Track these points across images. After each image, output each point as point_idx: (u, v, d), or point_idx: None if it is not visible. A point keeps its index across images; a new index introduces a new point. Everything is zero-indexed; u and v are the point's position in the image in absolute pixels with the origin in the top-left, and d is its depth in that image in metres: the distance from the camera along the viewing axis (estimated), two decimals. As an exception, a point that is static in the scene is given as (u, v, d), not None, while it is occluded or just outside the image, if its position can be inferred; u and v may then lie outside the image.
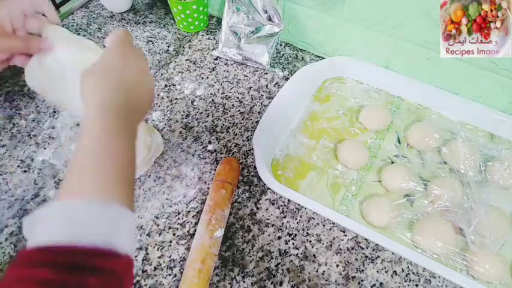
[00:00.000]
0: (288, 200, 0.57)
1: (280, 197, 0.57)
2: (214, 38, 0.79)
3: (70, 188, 0.32)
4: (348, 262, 0.52)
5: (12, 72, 0.70)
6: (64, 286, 0.25)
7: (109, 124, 0.35)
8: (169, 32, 0.80)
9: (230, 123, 0.65)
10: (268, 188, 0.57)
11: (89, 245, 0.27)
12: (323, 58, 0.76)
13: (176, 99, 0.69)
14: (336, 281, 0.50)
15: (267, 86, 0.71)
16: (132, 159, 0.36)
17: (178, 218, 0.55)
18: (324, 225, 0.55)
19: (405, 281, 0.50)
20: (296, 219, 0.55)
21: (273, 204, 0.56)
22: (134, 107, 0.39)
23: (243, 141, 0.63)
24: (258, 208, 0.56)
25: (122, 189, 0.33)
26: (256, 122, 0.65)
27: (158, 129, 0.64)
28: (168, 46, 0.77)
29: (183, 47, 0.77)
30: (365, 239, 0.53)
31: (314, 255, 0.52)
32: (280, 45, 0.78)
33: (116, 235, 0.29)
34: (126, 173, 0.34)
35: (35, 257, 0.26)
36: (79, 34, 0.78)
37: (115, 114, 0.36)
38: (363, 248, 0.53)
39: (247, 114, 0.67)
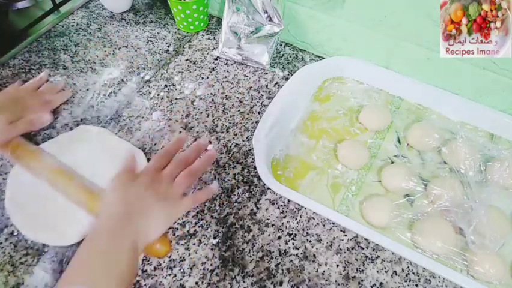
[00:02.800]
0: (288, 200, 0.57)
1: (280, 197, 0.57)
2: (214, 38, 0.79)
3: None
4: (348, 262, 0.52)
5: (12, 72, 0.70)
6: None
7: (109, 229, 0.41)
8: (169, 32, 0.80)
9: (230, 123, 0.66)
10: (268, 188, 0.57)
11: None
12: (323, 58, 0.76)
13: (176, 99, 0.69)
14: (336, 281, 0.50)
15: (267, 86, 0.71)
16: (122, 268, 0.40)
17: (178, 218, 0.55)
18: (324, 225, 0.55)
19: (405, 281, 0.50)
20: (296, 219, 0.55)
21: (273, 204, 0.56)
22: (142, 220, 0.43)
23: (243, 141, 0.63)
24: (258, 208, 0.56)
25: None
26: (256, 122, 0.65)
27: (158, 130, 0.64)
28: (168, 46, 0.77)
29: (183, 47, 0.77)
30: (365, 239, 0.53)
31: (314, 255, 0.52)
32: (280, 45, 0.78)
33: None
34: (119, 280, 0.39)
35: None
36: (79, 34, 0.78)
37: (117, 221, 0.42)
38: (363, 248, 0.53)
39: (247, 114, 0.67)
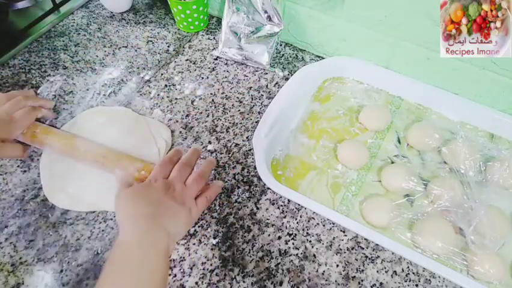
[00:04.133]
0: (288, 200, 0.57)
1: (280, 197, 0.57)
2: (214, 38, 0.79)
3: None
4: (348, 262, 0.52)
5: (12, 72, 0.70)
6: None
7: (140, 237, 0.41)
8: (169, 32, 0.80)
9: (230, 123, 0.65)
10: (268, 188, 0.57)
11: None
12: (323, 58, 0.76)
13: (176, 99, 0.69)
14: (336, 281, 0.50)
15: (267, 86, 0.71)
16: (161, 275, 0.40)
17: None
18: (324, 225, 0.55)
19: (405, 281, 0.50)
20: (296, 219, 0.55)
21: (273, 204, 0.56)
22: (167, 221, 0.43)
23: (243, 141, 0.63)
24: (258, 208, 0.56)
25: None
26: (256, 122, 0.65)
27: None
28: (168, 46, 0.77)
29: (183, 47, 0.77)
30: (365, 239, 0.53)
31: (314, 255, 0.52)
32: (280, 45, 0.78)
33: None
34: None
35: None
36: (79, 34, 0.78)
37: (146, 225, 0.41)
38: (363, 248, 0.53)
39: (247, 114, 0.67)
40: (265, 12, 0.67)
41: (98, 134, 0.61)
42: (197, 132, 0.64)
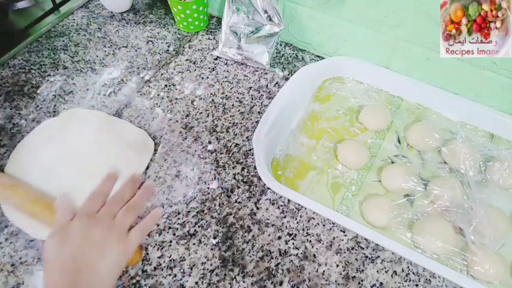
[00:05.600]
0: (288, 200, 0.57)
1: (280, 197, 0.57)
2: (214, 38, 0.79)
3: None
4: (348, 262, 0.52)
5: (12, 72, 0.71)
6: None
7: None
8: (169, 32, 0.80)
9: (230, 123, 0.66)
10: (268, 188, 0.57)
11: None
12: (323, 58, 0.76)
13: (176, 99, 0.69)
14: (336, 281, 0.50)
15: (267, 86, 0.71)
16: None
17: (178, 218, 0.55)
18: (324, 225, 0.55)
19: (405, 281, 0.50)
20: (296, 219, 0.55)
21: (273, 204, 0.56)
22: (89, 275, 0.38)
23: (243, 141, 0.63)
24: (258, 208, 0.56)
25: None
26: (256, 122, 0.65)
27: (158, 129, 0.64)
28: (168, 46, 0.77)
29: (183, 47, 0.77)
30: (365, 239, 0.53)
31: (314, 255, 0.52)
32: (280, 45, 0.78)
33: None
34: None
35: None
36: (79, 34, 0.78)
37: None
38: (363, 248, 0.53)
39: (247, 114, 0.67)
40: (265, 12, 0.67)
41: (69, 143, 0.60)
42: (197, 132, 0.64)
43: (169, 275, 0.50)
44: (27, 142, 0.61)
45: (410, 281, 0.50)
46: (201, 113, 0.67)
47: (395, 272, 0.51)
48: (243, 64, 0.74)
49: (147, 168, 0.59)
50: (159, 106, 0.67)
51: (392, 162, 0.62)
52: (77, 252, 0.39)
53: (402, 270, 0.51)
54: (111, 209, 0.43)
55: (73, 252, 0.39)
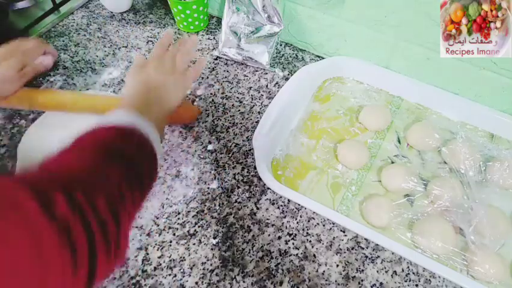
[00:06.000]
0: (288, 200, 0.57)
1: (280, 197, 0.57)
2: (214, 38, 0.79)
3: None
4: (348, 262, 0.52)
5: (12, 72, 0.70)
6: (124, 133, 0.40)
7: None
8: (169, 32, 0.80)
9: (230, 123, 0.65)
10: (268, 188, 0.57)
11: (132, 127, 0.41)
12: (323, 58, 0.76)
13: (176, 99, 0.69)
14: (336, 281, 0.50)
15: (267, 86, 0.71)
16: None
17: (178, 218, 0.55)
18: (324, 225, 0.55)
19: (405, 281, 0.50)
20: (296, 219, 0.55)
21: (273, 204, 0.56)
22: (160, 101, 0.49)
23: (243, 141, 0.63)
24: (258, 208, 0.56)
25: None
26: (256, 122, 0.65)
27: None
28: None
29: (183, 47, 0.77)
30: (365, 239, 0.53)
31: (314, 255, 0.52)
32: (280, 45, 0.78)
33: (150, 133, 0.42)
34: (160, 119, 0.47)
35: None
36: (79, 34, 0.78)
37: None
38: (363, 248, 0.53)
39: (247, 114, 0.67)
40: (265, 12, 0.67)
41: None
42: (197, 132, 0.64)
43: (169, 275, 0.50)
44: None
45: (410, 281, 0.50)
46: (201, 113, 0.67)
47: (395, 272, 0.51)
48: (243, 64, 0.74)
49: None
50: (159, 106, 0.67)
51: (392, 162, 0.62)
52: (152, 74, 0.50)
53: (402, 270, 0.51)
54: (172, 54, 0.54)
55: (149, 73, 0.50)
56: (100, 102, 0.60)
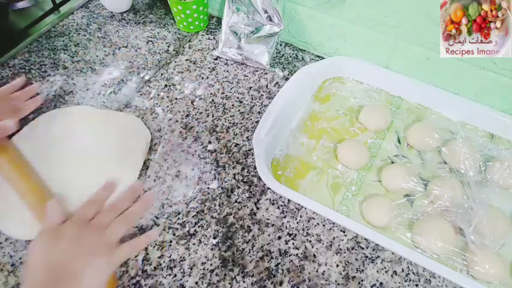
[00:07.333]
0: (288, 200, 0.57)
1: (280, 197, 0.57)
2: (214, 38, 0.79)
3: None
4: (348, 262, 0.52)
5: (12, 72, 0.70)
6: None
7: None
8: (169, 32, 0.80)
9: (230, 123, 0.66)
10: (268, 188, 0.57)
11: None
12: (323, 58, 0.76)
13: (176, 99, 0.69)
14: (336, 281, 0.50)
15: (267, 86, 0.71)
16: None
17: (178, 218, 0.55)
18: (324, 225, 0.55)
19: (405, 281, 0.50)
20: (296, 219, 0.55)
21: (273, 204, 0.56)
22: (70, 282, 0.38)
23: (243, 141, 0.63)
24: (258, 208, 0.56)
25: None
26: (256, 122, 0.65)
27: (158, 129, 0.64)
28: (168, 46, 0.77)
29: (183, 47, 0.77)
30: (365, 239, 0.53)
31: (314, 255, 0.52)
32: (280, 45, 0.78)
33: None
34: None
35: None
36: (79, 34, 0.78)
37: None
38: (363, 248, 0.53)
39: (247, 114, 0.67)
40: (265, 12, 0.67)
41: (66, 138, 0.60)
42: (197, 132, 0.64)
43: (169, 275, 0.50)
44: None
45: (410, 281, 0.50)
46: (201, 113, 0.67)
47: (395, 272, 0.51)
48: (243, 64, 0.74)
49: (147, 168, 0.59)
50: (159, 106, 0.67)
51: (392, 162, 0.62)
52: (65, 255, 0.39)
53: (402, 270, 0.51)
54: (105, 217, 0.43)
55: (61, 253, 0.39)
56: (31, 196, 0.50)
